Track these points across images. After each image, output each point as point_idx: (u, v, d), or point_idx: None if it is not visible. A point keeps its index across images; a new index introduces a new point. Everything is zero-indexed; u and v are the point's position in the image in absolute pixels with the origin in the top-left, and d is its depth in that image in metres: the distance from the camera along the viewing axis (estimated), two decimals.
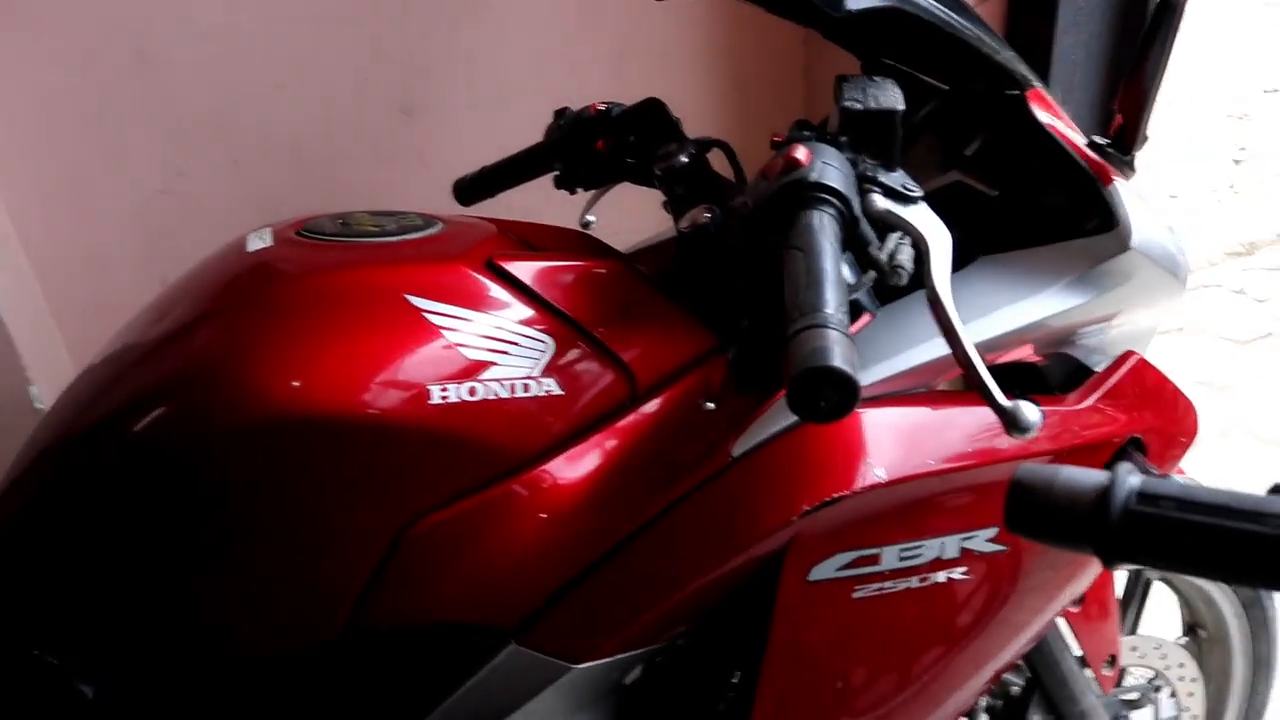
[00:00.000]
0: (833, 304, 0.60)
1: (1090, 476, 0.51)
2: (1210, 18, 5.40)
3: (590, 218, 1.17)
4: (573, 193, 1.13)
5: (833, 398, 0.57)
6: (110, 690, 0.78)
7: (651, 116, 1.04)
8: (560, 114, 1.12)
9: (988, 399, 0.68)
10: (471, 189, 1.22)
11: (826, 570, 0.79)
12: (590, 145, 1.08)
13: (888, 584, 0.81)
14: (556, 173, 1.13)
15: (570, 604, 0.77)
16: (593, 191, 1.15)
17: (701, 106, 2.09)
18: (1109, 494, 0.50)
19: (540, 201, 1.19)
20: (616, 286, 0.85)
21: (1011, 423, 0.67)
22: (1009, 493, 0.53)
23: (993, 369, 0.71)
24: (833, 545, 0.79)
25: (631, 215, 1.17)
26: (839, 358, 0.56)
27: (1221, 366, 3.12)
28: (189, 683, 0.78)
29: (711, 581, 0.78)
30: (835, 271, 0.63)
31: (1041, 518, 0.52)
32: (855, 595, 0.81)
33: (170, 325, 0.79)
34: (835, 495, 0.76)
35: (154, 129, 1.62)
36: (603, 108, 1.07)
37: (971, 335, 0.74)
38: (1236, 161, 4.57)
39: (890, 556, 0.81)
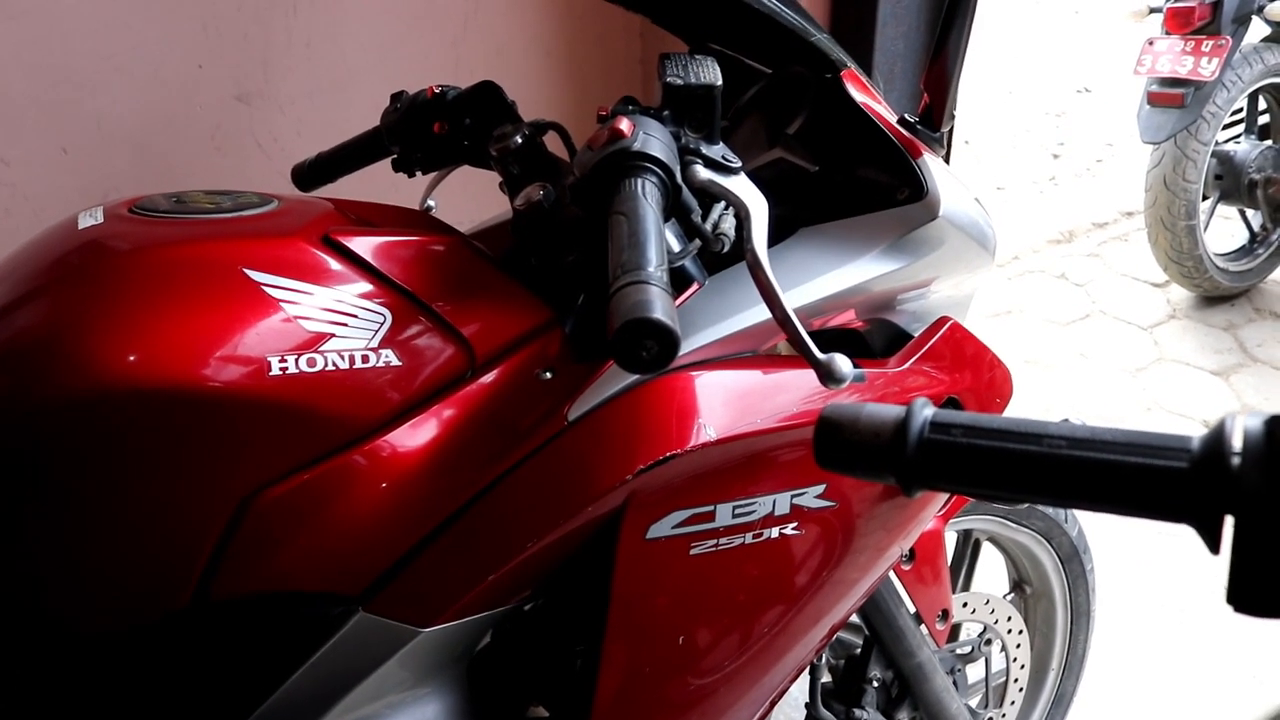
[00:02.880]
0: (653, 262, 0.63)
1: (890, 411, 0.55)
2: (1027, 25, 5.74)
3: (431, 202, 1.18)
4: (411, 175, 1.13)
5: (653, 348, 0.60)
6: None
7: (487, 99, 1.05)
8: (397, 97, 1.12)
9: (803, 352, 0.72)
10: (310, 174, 1.21)
11: (663, 528, 0.82)
12: (427, 128, 1.08)
13: (723, 540, 0.85)
14: (394, 156, 1.13)
15: (415, 569, 0.77)
16: (432, 175, 1.16)
17: (538, 94, 2.11)
18: (906, 425, 0.54)
19: (386, 190, 1.19)
20: (454, 262, 0.86)
21: (826, 374, 0.71)
22: (817, 430, 0.56)
23: (818, 333, 0.75)
24: (669, 503, 0.82)
25: (475, 201, 1.17)
26: (659, 310, 0.59)
27: (1045, 346, 3.32)
28: (32, 662, 0.75)
29: (552, 542, 0.79)
30: (656, 233, 0.66)
31: (847, 452, 0.56)
32: (692, 552, 0.84)
33: None
34: (668, 454, 0.79)
35: None
36: (439, 90, 1.08)
37: (795, 299, 0.79)
38: (1055, 156, 4.87)
39: (724, 513, 0.84)
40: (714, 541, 0.84)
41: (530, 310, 0.84)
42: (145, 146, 1.70)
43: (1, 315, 0.75)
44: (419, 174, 1.13)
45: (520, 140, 0.93)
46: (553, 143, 0.99)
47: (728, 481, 0.84)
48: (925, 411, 0.54)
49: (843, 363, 0.71)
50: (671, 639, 0.86)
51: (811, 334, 0.74)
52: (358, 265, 0.80)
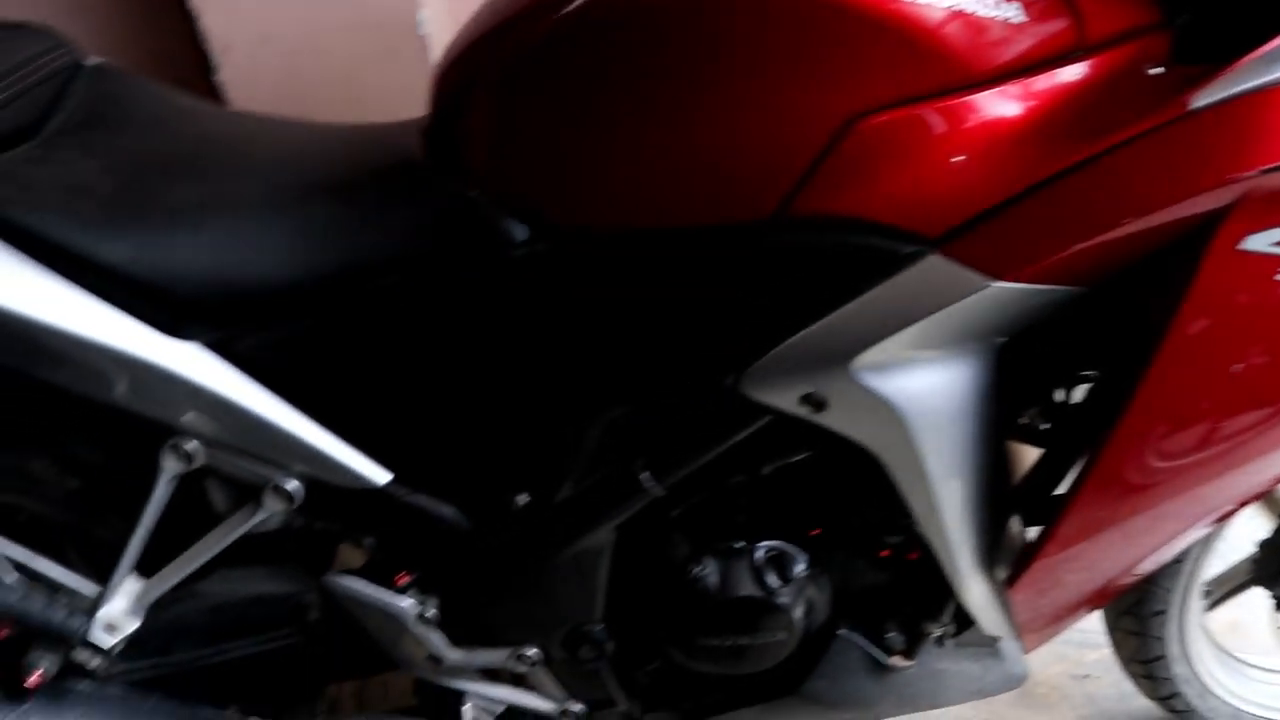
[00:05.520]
0: None
1: None
2: None
3: None
4: None
5: None
6: None
7: None
8: None
9: None
10: None
11: (1259, 242, 0.77)
12: None
13: None
14: None
15: (996, 224, 0.77)
16: None
17: None
18: None
19: None
20: None
21: None
22: None
23: None
24: (1275, 216, 0.77)
25: None
26: None
27: None
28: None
29: (1145, 229, 0.77)
30: None
31: None
32: (1277, 277, 0.78)
33: None
34: None
35: None
36: None
37: None
38: None
39: None
40: None
41: (1142, 5, 0.80)
42: None
43: None
44: None
45: None
46: None
47: None
48: None
49: None
50: (1222, 369, 0.82)
51: None
52: None
